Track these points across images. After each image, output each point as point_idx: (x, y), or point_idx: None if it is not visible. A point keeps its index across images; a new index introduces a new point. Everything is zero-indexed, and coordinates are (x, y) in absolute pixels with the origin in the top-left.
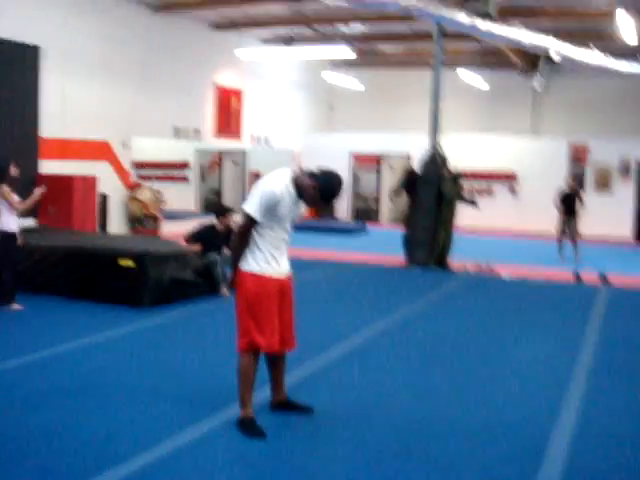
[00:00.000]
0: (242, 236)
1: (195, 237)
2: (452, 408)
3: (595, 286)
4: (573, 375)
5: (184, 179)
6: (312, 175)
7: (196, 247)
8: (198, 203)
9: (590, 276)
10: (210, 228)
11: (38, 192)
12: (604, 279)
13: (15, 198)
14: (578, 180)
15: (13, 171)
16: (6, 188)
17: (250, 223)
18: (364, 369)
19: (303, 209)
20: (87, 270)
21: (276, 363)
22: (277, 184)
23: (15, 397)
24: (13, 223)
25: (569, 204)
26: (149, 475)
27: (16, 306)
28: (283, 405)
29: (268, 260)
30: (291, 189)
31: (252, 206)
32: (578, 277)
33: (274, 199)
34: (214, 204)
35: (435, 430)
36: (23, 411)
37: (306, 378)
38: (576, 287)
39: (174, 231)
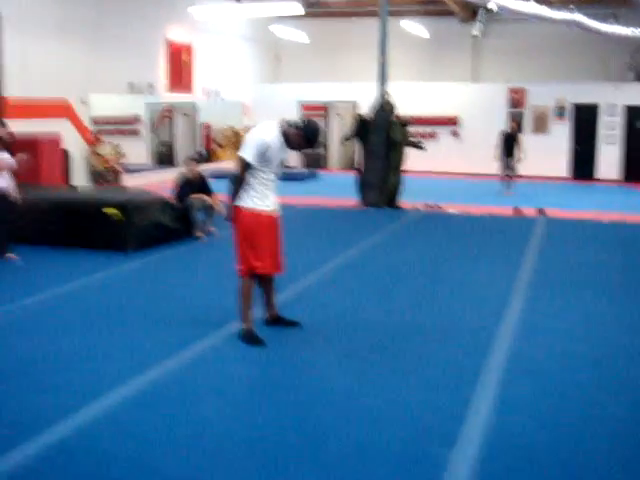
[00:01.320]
0: (239, 177)
1: (178, 194)
2: (413, 316)
3: (533, 218)
4: (514, 288)
5: (135, 133)
6: (295, 125)
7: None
8: (150, 156)
9: (529, 210)
10: (183, 177)
11: (21, 156)
12: (541, 211)
13: (2, 156)
14: (518, 124)
15: (2, 132)
16: None
17: (245, 166)
18: (337, 291)
19: (287, 154)
20: (73, 220)
21: (268, 285)
22: (267, 133)
23: (37, 327)
24: (2, 181)
25: (510, 144)
26: (169, 382)
27: (12, 255)
28: (275, 320)
29: (261, 198)
30: (279, 137)
31: (247, 152)
32: (518, 211)
33: (265, 145)
34: (191, 156)
35: (401, 332)
36: (48, 337)
37: (290, 299)
38: (516, 219)
39: (135, 183)
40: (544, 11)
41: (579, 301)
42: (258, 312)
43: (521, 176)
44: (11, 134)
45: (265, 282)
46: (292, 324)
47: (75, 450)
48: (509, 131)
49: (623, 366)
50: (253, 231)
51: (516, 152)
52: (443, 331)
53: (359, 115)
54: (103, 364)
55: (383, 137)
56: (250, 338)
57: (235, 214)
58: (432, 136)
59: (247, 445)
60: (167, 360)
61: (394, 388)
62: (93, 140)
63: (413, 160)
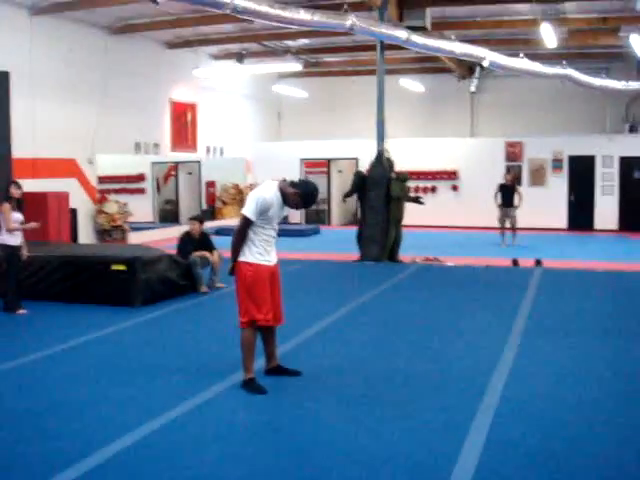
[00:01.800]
0: (241, 233)
1: (182, 250)
2: (410, 365)
3: (530, 268)
4: (509, 336)
5: (141, 191)
6: (294, 184)
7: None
8: (156, 213)
9: (526, 261)
10: (186, 235)
11: (33, 225)
12: (538, 262)
13: (13, 217)
14: (515, 176)
15: (14, 191)
16: (6, 206)
17: (247, 223)
18: (337, 341)
19: (286, 211)
20: (81, 276)
21: (269, 336)
22: (268, 192)
23: (46, 378)
24: (13, 238)
25: (507, 195)
26: (174, 429)
27: (22, 311)
28: (276, 370)
29: (261, 252)
30: (278, 196)
31: (249, 210)
32: (515, 262)
33: (266, 204)
34: (194, 215)
35: (397, 380)
36: (57, 388)
37: (291, 350)
38: (513, 270)
39: (140, 240)
40: (536, 67)
41: (570, 347)
42: (260, 362)
43: (518, 229)
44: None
45: (266, 333)
46: (293, 373)
47: None
48: (505, 183)
49: (610, 407)
50: (255, 284)
51: (516, 202)
52: (438, 378)
53: (359, 172)
54: (110, 413)
55: (382, 193)
56: (252, 387)
57: (237, 268)
58: (432, 190)
59: None
60: (173, 408)
61: (390, 431)
62: (100, 199)
63: (413, 214)
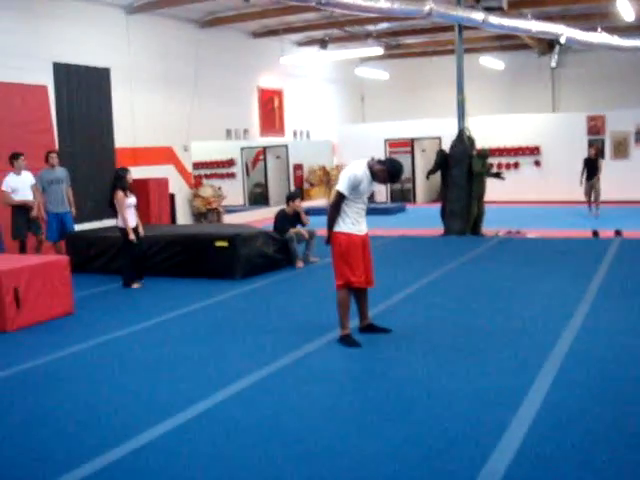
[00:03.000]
0: (335, 207)
1: (278, 228)
2: (488, 323)
3: (610, 239)
4: (583, 299)
5: (232, 175)
6: (381, 162)
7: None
8: (246, 197)
9: (607, 232)
10: (282, 212)
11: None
12: (618, 233)
13: (127, 202)
14: (597, 150)
15: (129, 179)
16: (120, 193)
17: (341, 198)
18: (422, 304)
19: (375, 187)
20: (188, 253)
21: (361, 297)
22: (358, 169)
23: (170, 338)
24: (133, 219)
25: (591, 169)
26: (285, 373)
27: (136, 285)
28: (368, 328)
29: (354, 222)
30: (367, 173)
31: (342, 186)
32: (595, 233)
33: (357, 180)
34: (288, 194)
35: (477, 335)
36: (176, 345)
37: (382, 312)
38: (593, 241)
39: (233, 222)
40: (614, 40)
41: (638, 309)
42: (354, 322)
43: (601, 202)
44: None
45: (359, 294)
46: (383, 331)
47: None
48: (590, 157)
49: None
50: (348, 250)
51: (598, 175)
52: (513, 333)
53: (441, 150)
54: (229, 363)
55: (464, 169)
56: (349, 341)
57: (333, 238)
58: (515, 166)
59: (347, 416)
60: (281, 358)
61: (467, 374)
62: (195, 183)
63: (498, 190)
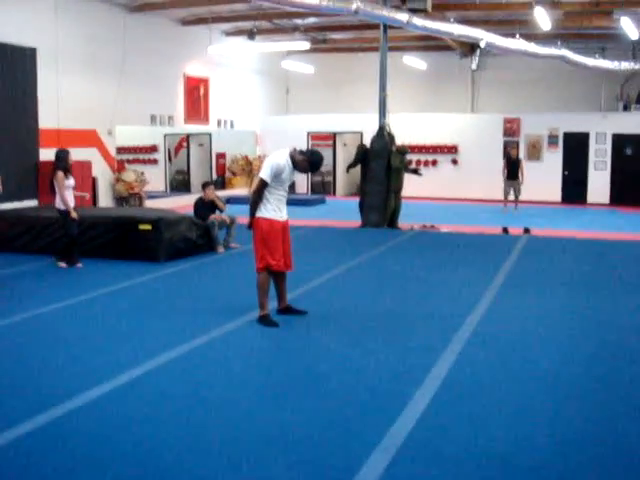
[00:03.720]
0: (258, 193)
1: (198, 214)
2: (399, 307)
3: (519, 236)
4: (488, 288)
5: (154, 161)
6: (302, 152)
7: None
8: (168, 183)
9: (517, 229)
10: (199, 200)
11: (83, 194)
12: (527, 230)
13: (66, 183)
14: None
15: (69, 160)
16: (61, 174)
17: (263, 184)
18: (338, 290)
19: (296, 176)
20: (111, 235)
21: (280, 280)
22: (280, 158)
23: (90, 315)
24: (72, 200)
25: (513, 168)
26: (205, 350)
27: (79, 265)
28: (286, 310)
29: (275, 209)
30: (289, 162)
31: (265, 173)
32: (505, 230)
33: (279, 168)
34: (206, 181)
35: (387, 318)
36: (109, 319)
37: (300, 296)
38: (503, 237)
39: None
40: (532, 47)
41: (539, 297)
42: (273, 304)
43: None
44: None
45: (278, 278)
46: (300, 312)
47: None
48: (512, 157)
49: (561, 339)
50: (269, 235)
51: (519, 176)
52: (422, 317)
53: (362, 145)
54: (152, 339)
55: (383, 164)
56: (267, 321)
57: (255, 223)
58: (433, 163)
59: (264, 387)
60: (202, 336)
61: (377, 351)
62: (118, 167)
63: (416, 186)
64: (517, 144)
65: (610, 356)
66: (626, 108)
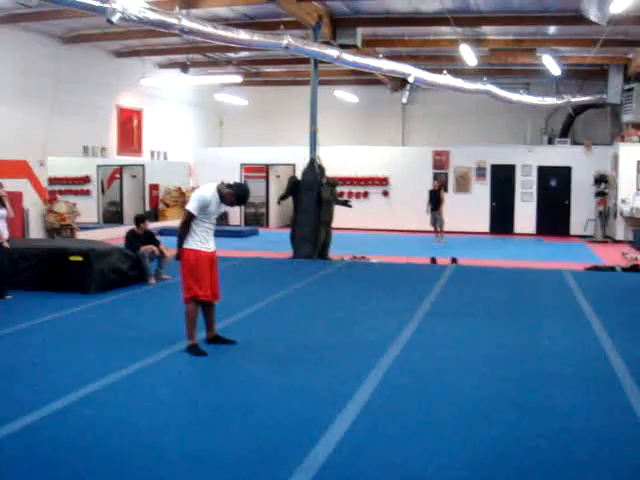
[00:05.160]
0: (185, 225)
1: (129, 247)
2: (326, 336)
3: (446, 266)
4: (413, 317)
5: (86, 192)
6: (229, 186)
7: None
8: (100, 214)
9: (444, 259)
10: (131, 232)
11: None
12: (454, 260)
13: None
14: (442, 183)
15: (1, 191)
16: None
17: (190, 217)
18: (267, 319)
19: (223, 208)
20: (41, 267)
21: (208, 310)
22: (207, 191)
23: (28, 343)
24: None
25: (435, 200)
26: (134, 379)
27: (8, 296)
28: (215, 339)
29: (202, 240)
30: (216, 195)
31: (192, 206)
32: (433, 260)
33: (206, 201)
34: (136, 216)
35: (313, 347)
36: (36, 350)
37: (229, 325)
38: (431, 267)
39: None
40: (458, 82)
41: (461, 325)
42: (202, 334)
43: (444, 231)
44: None
45: (206, 308)
46: (229, 342)
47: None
48: (433, 189)
49: (478, 364)
50: (196, 266)
51: (441, 207)
52: (347, 346)
53: (293, 177)
54: (78, 369)
55: (314, 196)
56: (195, 351)
57: (182, 254)
58: (364, 195)
59: (192, 414)
60: (130, 365)
61: (302, 378)
62: (50, 199)
63: (347, 218)
64: (441, 176)
65: (524, 379)
66: (551, 141)
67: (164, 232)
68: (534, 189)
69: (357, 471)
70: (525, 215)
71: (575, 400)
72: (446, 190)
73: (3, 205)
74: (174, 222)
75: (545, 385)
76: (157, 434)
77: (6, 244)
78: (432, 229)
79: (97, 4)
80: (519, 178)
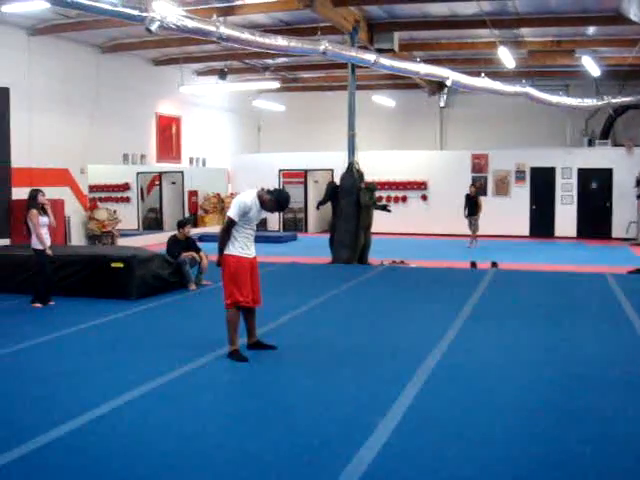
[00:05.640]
0: (226, 231)
1: (170, 252)
2: (367, 340)
3: (486, 270)
4: (454, 321)
5: (126, 200)
6: (269, 192)
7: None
8: (140, 221)
9: (484, 264)
10: (173, 237)
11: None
12: (494, 264)
13: (41, 221)
14: (480, 186)
15: (41, 199)
16: (34, 212)
17: (231, 223)
18: (308, 324)
19: (264, 214)
20: (84, 273)
21: (249, 316)
22: (248, 198)
23: (63, 351)
24: (48, 239)
25: (471, 205)
26: (177, 384)
27: (52, 303)
28: (256, 345)
29: (242, 247)
30: (256, 201)
31: (232, 212)
32: (473, 264)
33: (246, 207)
34: (179, 220)
35: (355, 351)
36: (81, 356)
37: (269, 331)
38: (471, 271)
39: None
40: (496, 85)
41: (504, 329)
42: (243, 339)
43: (480, 235)
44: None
45: (247, 313)
46: (270, 347)
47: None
48: (469, 194)
49: (517, 372)
50: (237, 272)
51: (477, 212)
52: (389, 350)
53: (331, 182)
54: (122, 374)
55: (353, 201)
56: (236, 356)
57: (223, 260)
58: (403, 200)
59: (234, 419)
60: (174, 370)
61: (343, 383)
62: (91, 206)
63: (386, 222)
64: (480, 180)
65: (567, 384)
66: (591, 143)
67: (203, 238)
68: (574, 192)
69: (401, 476)
70: (565, 218)
71: (619, 405)
72: (485, 194)
73: (45, 213)
74: (213, 228)
75: (589, 390)
76: (201, 439)
77: (49, 251)
78: (469, 233)
79: (136, 13)
80: (559, 181)
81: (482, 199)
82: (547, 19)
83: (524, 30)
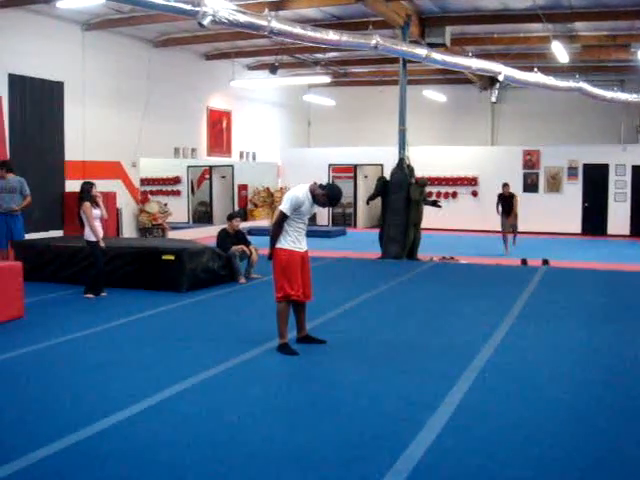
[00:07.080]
0: (278, 225)
1: (220, 245)
2: (416, 337)
3: (537, 267)
4: (504, 319)
5: (177, 193)
6: (322, 187)
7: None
8: (190, 214)
9: (535, 261)
10: (223, 231)
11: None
12: (545, 262)
13: (94, 213)
14: (533, 183)
15: (94, 192)
16: (87, 204)
17: (283, 217)
18: (357, 319)
19: (316, 209)
20: (135, 265)
21: (299, 310)
22: (300, 192)
23: (115, 342)
24: (97, 231)
25: (505, 205)
26: (228, 375)
27: (103, 294)
28: (305, 339)
29: (294, 240)
30: (309, 196)
31: (285, 206)
32: (524, 261)
33: (298, 202)
34: (230, 214)
35: (403, 347)
36: (132, 347)
37: (319, 325)
38: (522, 268)
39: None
40: (549, 80)
41: (555, 328)
42: (292, 333)
43: (531, 232)
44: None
45: (298, 307)
46: (319, 341)
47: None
48: (503, 194)
49: (576, 367)
50: (288, 266)
51: (514, 210)
52: (438, 347)
53: (381, 177)
54: (175, 366)
55: (403, 196)
56: (286, 350)
57: (275, 254)
58: (453, 195)
59: (283, 411)
60: (224, 362)
61: (391, 379)
62: (142, 199)
63: (436, 218)
64: (534, 176)
65: (621, 384)
66: None
67: (252, 232)
68: (628, 189)
69: (450, 475)
70: (619, 216)
71: None
72: (536, 190)
73: (98, 206)
74: (262, 222)
75: None
76: (250, 431)
77: (102, 243)
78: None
79: (188, 8)
80: (612, 178)
81: (518, 199)
82: (602, 13)
83: (578, 24)
